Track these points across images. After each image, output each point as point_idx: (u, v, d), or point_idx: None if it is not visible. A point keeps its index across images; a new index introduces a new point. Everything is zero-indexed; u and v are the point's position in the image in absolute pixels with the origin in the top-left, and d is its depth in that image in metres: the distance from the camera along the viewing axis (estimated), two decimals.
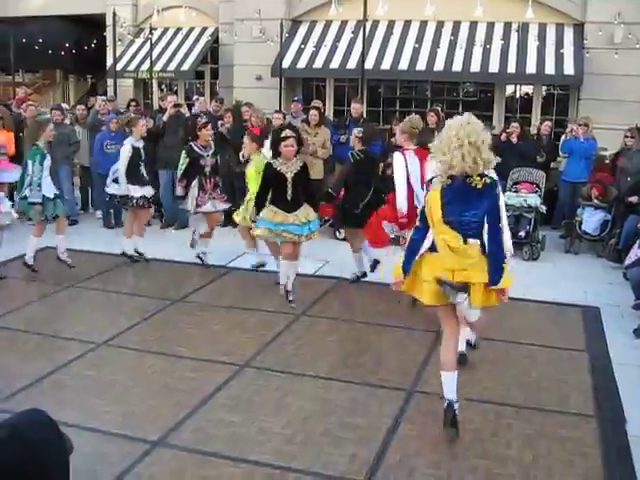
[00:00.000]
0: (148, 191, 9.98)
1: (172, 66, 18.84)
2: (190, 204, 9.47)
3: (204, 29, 19.61)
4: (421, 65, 16.35)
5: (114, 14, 16.92)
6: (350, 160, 8.95)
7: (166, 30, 19.63)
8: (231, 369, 6.46)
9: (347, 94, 18.56)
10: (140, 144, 9.93)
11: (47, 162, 8.97)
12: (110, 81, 20.13)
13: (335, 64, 16.98)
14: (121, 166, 9.69)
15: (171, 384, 6.23)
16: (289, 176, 8.13)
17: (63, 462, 2.39)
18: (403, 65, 16.48)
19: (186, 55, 19.03)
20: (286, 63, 16.63)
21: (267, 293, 8.66)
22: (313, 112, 11.66)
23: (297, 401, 5.88)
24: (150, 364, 6.68)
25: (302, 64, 17.19)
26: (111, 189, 9.92)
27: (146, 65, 18.26)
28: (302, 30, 18.05)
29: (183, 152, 9.44)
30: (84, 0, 20.82)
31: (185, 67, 18.74)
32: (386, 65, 16.52)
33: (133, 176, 9.74)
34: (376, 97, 17.66)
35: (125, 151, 9.74)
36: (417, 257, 5.24)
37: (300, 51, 17.47)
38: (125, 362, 6.72)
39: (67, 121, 12.56)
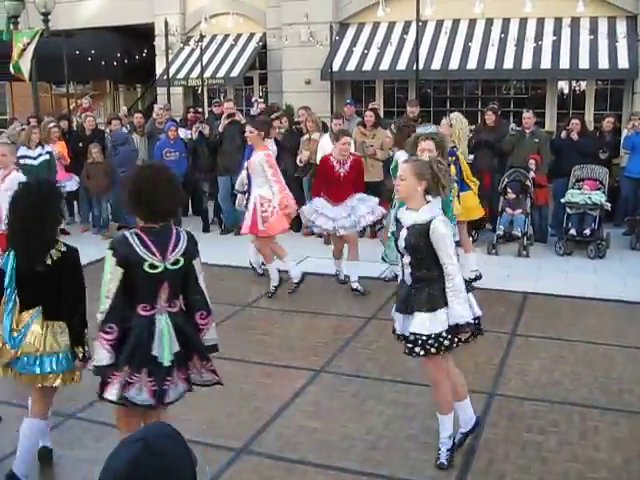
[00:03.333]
0: None
1: (221, 72, 18.96)
2: None
3: (252, 35, 19.69)
4: (471, 64, 16.23)
5: (166, 23, 17.06)
6: None
7: (214, 37, 19.77)
8: (307, 374, 6.44)
9: (396, 95, 18.52)
10: None
11: None
12: (159, 89, 20.35)
13: (385, 65, 16.93)
14: None
15: (248, 390, 6.23)
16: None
17: (192, 475, 2.36)
18: (453, 65, 16.38)
19: (235, 61, 19.13)
20: (335, 66, 16.63)
21: (335, 297, 8.65)
22: (369, 114, 11.60)
23: (377, 406, 5.85)
24: (225, 370, 6.67)
25: (351, 66, 17.18)
26: None
27: (195, 72, 18.43)
28: (350, 32, 18.04)
29: None
30: (133, 11, 21.09)
31: (234, 73, 18.84)
32: (436, 65, 16.43)
33: None
34: (426, 97, 17.55)
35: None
36: None
37: (349, 53, 17.46)
38: None
39: (124, 129, 12.70)
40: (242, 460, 5.13)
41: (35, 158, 11.08)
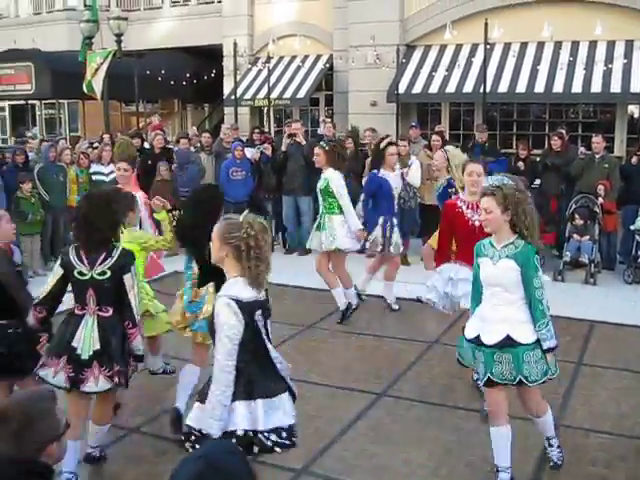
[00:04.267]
0: None
1: (288, 93, 19.15)
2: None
3: (318, 56, 19.87)
4: (539, 87, 16.07)
5: (234, 44, 17.36)
6: None
7: (281, 58, 20.01)
8: (369, 397, 6.43)
9: (462, 118, 18.45)
10: None
11: None
12: (226, 109, 20.66)
13: (451, 88, 16.87)
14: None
15: (309, 411, 6.21)
16: None
17: None
18: (521, 88, 16.23)
19: (301, 82, 19.32)
20: (401, 88, 16.63)
21: (396, 320, 8.61)
22: (435, 137, 11.59)
23: (438, 432, 5.79)
24: None
25: (417, 89, 17.17)
26: None
27: (262, 93, 18.66)
28: (417, 55, 18.05)
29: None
30: (202, 32, 21.56)
31: (300, 94, 19.02)
32: (503, 88, 16.30)
33: None
34: (492, 120, 17.41)
35: None
36: None
37: (415, 76, 17.46)
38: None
39: (192, 149, 12.90)
40: None
41: (107, 175, 11.37)
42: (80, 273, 4.92)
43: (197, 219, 5.47)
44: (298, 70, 19.77)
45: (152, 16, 23.49)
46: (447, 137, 16.61)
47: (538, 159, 12.05)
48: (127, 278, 4.97)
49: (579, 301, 9.40)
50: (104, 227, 4.99)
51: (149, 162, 12.21)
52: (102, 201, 5.10)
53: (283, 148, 11.92)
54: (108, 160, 11.55)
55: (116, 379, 4.90)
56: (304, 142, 12.03)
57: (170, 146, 13.44)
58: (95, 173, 11.74)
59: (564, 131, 12.27)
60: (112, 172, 11.41)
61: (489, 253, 4.81)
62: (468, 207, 6.10)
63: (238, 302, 3.92)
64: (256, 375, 4.07)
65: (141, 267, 6.30)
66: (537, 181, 11.55)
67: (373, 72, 17.77)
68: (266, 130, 16.06)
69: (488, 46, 14.82)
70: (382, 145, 9.03)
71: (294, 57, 20.03)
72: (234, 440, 3.93)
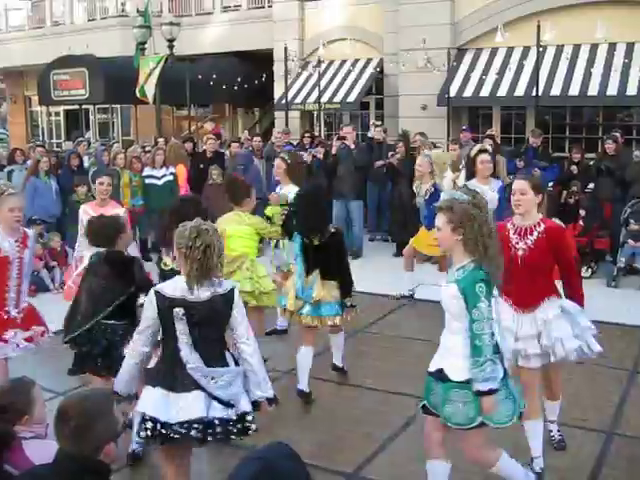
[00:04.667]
0: None
1: (338, 97, 19.18)
2: None
3: (369, 60, 19.85)
4: (593, 90, 15.82)
5: (285, 49, 17.43)
6: None
7: (332, 62, 20.02)
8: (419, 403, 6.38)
9: (514, 122, 18.27)
10: None
11: None
12: (277, 113, 20.76)
13: (502, 91, 16.71)
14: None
15: (359, 415, 6.24)
16: None
17: None
18: (573, 91, 15.99)
19: (351, 86, 19.32)
20: (452, 92, 16.53)
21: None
22: (487, 141, 11.50)
23: (496, 439, 5.72)
24: (337, 394, 6.74)
25: (468, 92, 17.05)
26: None
27: (313, 97, 18.70)
28: (468, 58, 17.92)
29: None
30: (253, 37, 21.73)
31: (351, 98, 19.02)
32: (555, 91, 16.08)
33: None
34: (544, 124, 17.18)
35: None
36: None
37: (466, 79, 17.34)
38: (312, 391, 6.78)
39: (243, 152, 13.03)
40: None
41: (159, 178, 11.52)
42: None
43: (310, 212, 6.33)
44: (348, 74, 19.77)
45: (203, 21, 23.72)
46: (498, 141, 16.54)
47: (592, 163, 11.88)
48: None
49: (634, 308, 9.24)
50: None
51: (201, 166, 12.34)
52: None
53: (333, 151, 11.95)
54: (161, 164, 11.71)
55: None
56: (353, 146, 12.03)
57: (222, 150, 13.56)
58: (148, 177, 11.90)
59: (619, 134, 12.08)
60: (164, 176, 11.62)
61: (448, 276, 4.46)
62: (515, 232, 5.05)
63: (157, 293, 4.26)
64: (164, 368, 4.30)
65: (255, 248, 6.96)
66: (591, 185, 11.39)
67: (424, 75, 17.70)
68: (317, 134, 16.11)
69: (540, 49, 14.66)
70: (472, 153, 8.57)
71: (344, 61, 20.03)
72: (142, 423, 4.19)
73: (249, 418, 4.34)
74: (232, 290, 4.29)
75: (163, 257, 5.65)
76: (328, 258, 6.38)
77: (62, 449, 2.84)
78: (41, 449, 3.29)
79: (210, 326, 4.24)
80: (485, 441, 4.46)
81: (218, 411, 4.22)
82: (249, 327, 4.43)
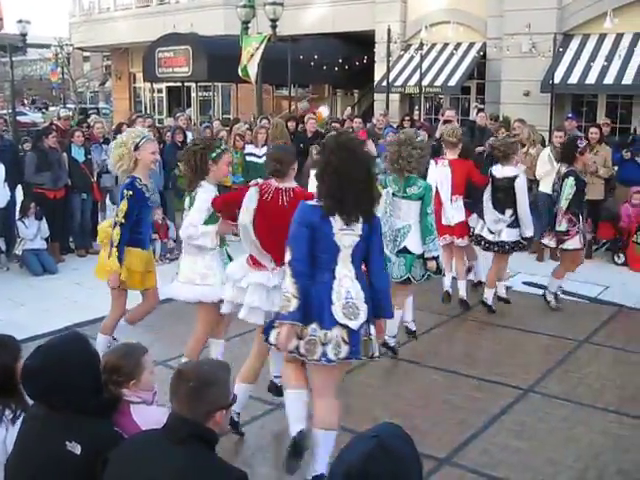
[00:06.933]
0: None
1: (439, 81, 19.00)
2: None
3: (471, 44, 19.57)
4: None
5: (389, 30, 17.37)
6: None
7: (434, 45, 19.84)
8: (515, 392, 6.32)
9: (619, 111, 17.72)
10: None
11: None
12: (376, 95, 20.70)
13: (609, 79, 16.23)
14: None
15: (454, 401, 6.20)
16: None
17: None
18: None
19: (453, 70, 19.11)
20: (557, 78, 16.14)
21: (545, 316, 8.41)
22: (594, 130, 11.16)
23: (587, 434, 5.63)
24: (431, 379, 6.72)
25: (574, 79, 16.64)
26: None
27: (413, 80, 18.58)
28: (574, 44, 17.48)
29: (571, 179, 8.15)
30: (354, 18, 21.68)
31: (452, 82, 18.82)
32: None
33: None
34: None
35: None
36: None
37: (572, 66, 16.92)
38: (407, 375, 6.80)
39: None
40: (444, 471, 5.12)
41: (260, 157, 11.65)
42: None
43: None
44: (450, 58, 19.55)
45: (306, 2, 23.78)
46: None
47: None
48: None
49: None
50: None
51: (302, 145, 12.41)
52: None
53: (437, 135, 11.83)
54: (262, 142, 11.83)
55: None
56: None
57: (321, 130, 13.61)
58: (249, 154, 12.05)
59: None
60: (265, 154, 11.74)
61: None
62: None
63: None
64: None
65: None
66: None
67: (528, 61, 17.36)
68: (416, 118, 16.00)
69: None
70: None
71: (446, 44, 19.81)
72: None
73: None
74: None
75: None
76: None
77: (174, 413, 2.94)
78: (148, 414, 3.42)
79: None
80: None
81: None
82: None
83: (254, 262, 5.17)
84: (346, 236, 4.39)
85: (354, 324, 4.37)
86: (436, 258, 6.62)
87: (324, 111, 18.87)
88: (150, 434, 3.07)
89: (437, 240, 6.79)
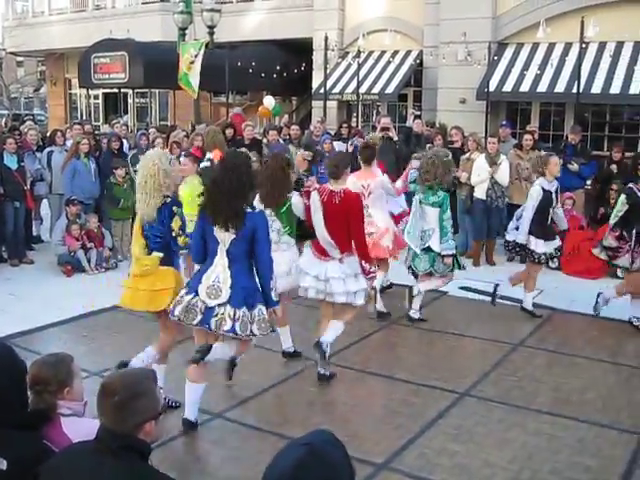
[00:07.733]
0: (551, 246, 8.56)
1: (376, 89, 19.14)
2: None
3: (408, 52, 19.79)
4: (635, 89, 15.64)
5: (326, 38, 17.42)
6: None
7: (371, 53, 19.98)
8: (451, 396, 6.39)
9: (552, 118, 18.10)
10: (553, 187, 8.42)
11: None
12: (314, 103, 20.76)
13: (543, 87, 16.59)
14: (527, 210, 8.37)
15: (392, 406, 6.25)
16: None
17: None
18: (615, 89, 15.86)
19: (390, 78, 19.28)
20: (492, 86, 16.41)
21: (480, 320, 8.52)
22: (527, 137, 11.42)
23: (521, 435, 5.72)
24: (369, 385, 6.75)
25: (508, 87, 16.96)
26: (511, 235, 8.67)
27: (351, 87, 18.68)
28: (508, 52, 17.82)
29: (623, 196, 8.15)
30: (293, 25, 21.73)
31: (389, 90, 18.97)
32: (596, 89, 15.93)
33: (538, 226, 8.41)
34: (584, 121, 17.00)
35: (534, 192, 8.33)
36: None
37: (506, 74, 17.25)
38: (346, 381, 6.81)
39: (281, 141, 13.03)
40: (382, 476, 5.14)
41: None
42: None
43: None
44: (387, 65, 19.72)
45: (244, 8, 23.76)
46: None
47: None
48: None
49: None
50: None
51: None
52: None
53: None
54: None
55: None
56: (396, 137, 12.01)
57: (259, 137, 13.59)
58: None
59: None
60: (201, 161, 11.63)
61: None
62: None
63: None
64: None
65: None
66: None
67: (463, 69, 17.63)
68: (354, 125, 16.08)
69: (583, 45, 14.51)
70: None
71: (384, 52, 19.98)
72: None
73: None
74: None
75: None
76: None
77: (103, 426, 2.88)
78: (79, 427, 3.34)
79: None
80: None
81: None
82: None
83: (320, 252, 6.49)
84: (222, 234, 5.37)
85: (211, 302, 5.34)
86: (453, 255, 7.98)
87: (269, 103, 18.74)
88: (82, 446, 3.01)
89: (451, 241, 8.03)
